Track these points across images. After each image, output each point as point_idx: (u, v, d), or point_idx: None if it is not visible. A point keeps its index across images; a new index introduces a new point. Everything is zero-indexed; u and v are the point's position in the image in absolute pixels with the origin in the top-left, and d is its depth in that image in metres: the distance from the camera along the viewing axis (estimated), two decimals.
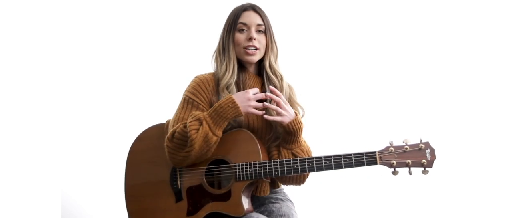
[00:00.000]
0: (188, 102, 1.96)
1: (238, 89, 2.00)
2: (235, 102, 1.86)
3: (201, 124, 1.86)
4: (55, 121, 2.29)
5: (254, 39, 1.98)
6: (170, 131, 1.92)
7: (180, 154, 1.89)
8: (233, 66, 2.00)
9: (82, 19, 2.97)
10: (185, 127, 1.88)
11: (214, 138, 1.87)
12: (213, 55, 2.07)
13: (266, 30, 2.02)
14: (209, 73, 2.04)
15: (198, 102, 1.96)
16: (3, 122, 2.02)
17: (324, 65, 3.21)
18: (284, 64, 2.09)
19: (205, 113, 1.88)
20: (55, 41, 2.32)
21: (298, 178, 2.01)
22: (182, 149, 1.88)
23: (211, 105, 1.97)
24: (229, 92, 1.96)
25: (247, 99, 1.87)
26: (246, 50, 1.99)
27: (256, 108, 1.88)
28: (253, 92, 1.89)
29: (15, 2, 2.09)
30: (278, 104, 1.90)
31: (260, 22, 2.01)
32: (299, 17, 3.22)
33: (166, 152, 1.91)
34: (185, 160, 1.90)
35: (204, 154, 1.89)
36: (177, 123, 1.93)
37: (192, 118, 1.88)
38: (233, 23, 2.01)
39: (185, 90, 2.01)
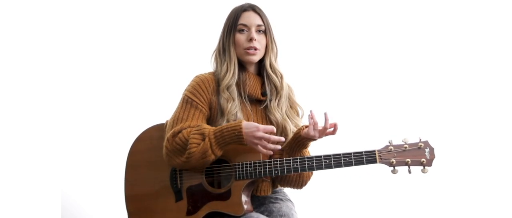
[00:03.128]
0: (187, 102, 1.96)
1: (239, 90, 2.00)
2: (241, 134, 1.83)
3: (203, 140, 1.85)
4: (55, 121, 2.29)
5: (255, 39, 1.98)
6: (170, 131, 1.91)
7: (176, 159, 1.89)
8: (234, 67, 1.99)
9: (82, 19, 2.97)
10: (188, 135, 1.87)
11: (212, 156, 1.86)
12: (213, 54, 2.07)
13: (266, 30, 2.02)
14: (209, 73, 2.04)
15: (197, 103, 1.95)
16: (3, 122, 2.02)
17: (324, 65, 3.21)
18: (284, 63, 2.09)
19: (211, 129, 1.86)
20: (55, 41, 2.32)
21: (298, 181, 2.01)
22: (180, 155, 1.88)
23: (210, 105, 1.98)
24: (230, 94, 1.96)
25: (256, 138, 1.82)
26: (247, 51, 1.99)
27: (264, 147, 1.84)
28: (267, 132, 1.83)
29: (15, 2, 2.09)
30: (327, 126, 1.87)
31: (260, 22, 2.01)
32: (299, 17, 3.22)
33: (164, 153, 1.91)
34: (180, 166, 1.91)
35: (200, 166, 1.90)
36: (176, 123, 1.93)
37: (197, 130, 1.87)
38: (233, 24, 2.01)
39: (185, 90, 2.00)
